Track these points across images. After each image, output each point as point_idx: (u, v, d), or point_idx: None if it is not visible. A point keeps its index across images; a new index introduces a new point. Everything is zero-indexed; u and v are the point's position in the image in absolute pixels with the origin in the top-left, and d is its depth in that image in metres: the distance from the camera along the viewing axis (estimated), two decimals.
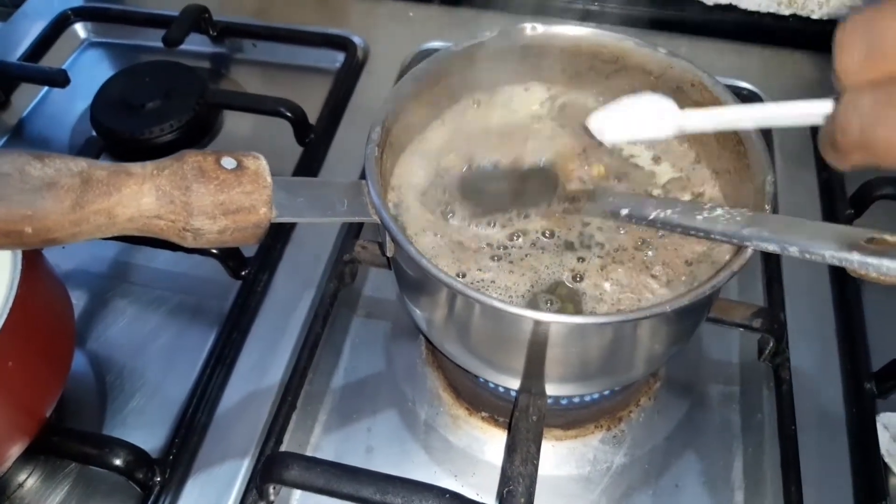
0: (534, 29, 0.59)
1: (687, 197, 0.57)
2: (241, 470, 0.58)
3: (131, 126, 0.79)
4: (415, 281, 0.50)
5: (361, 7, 0.98)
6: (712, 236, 0.47)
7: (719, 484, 0.58)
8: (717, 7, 0.91)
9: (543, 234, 0.54)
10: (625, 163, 0.58)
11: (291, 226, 0.74)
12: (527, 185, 0.57)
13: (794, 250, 0.43)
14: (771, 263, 0.69)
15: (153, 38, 0.91)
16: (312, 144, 0.81)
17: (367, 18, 0.96)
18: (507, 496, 0.51)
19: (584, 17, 0.92)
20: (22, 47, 0.92)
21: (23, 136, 0.87)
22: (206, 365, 0.63)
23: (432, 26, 0.94)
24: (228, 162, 0.44)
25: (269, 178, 0.44)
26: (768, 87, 0.85)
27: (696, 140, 0.59)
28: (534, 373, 0.51)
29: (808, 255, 0.42)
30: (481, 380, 0.59)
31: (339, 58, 0.91)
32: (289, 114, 0.80)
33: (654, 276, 0.52)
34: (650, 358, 0.53)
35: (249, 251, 0.70)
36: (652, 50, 0.58)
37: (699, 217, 0.47)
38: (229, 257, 0.68)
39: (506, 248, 0.54)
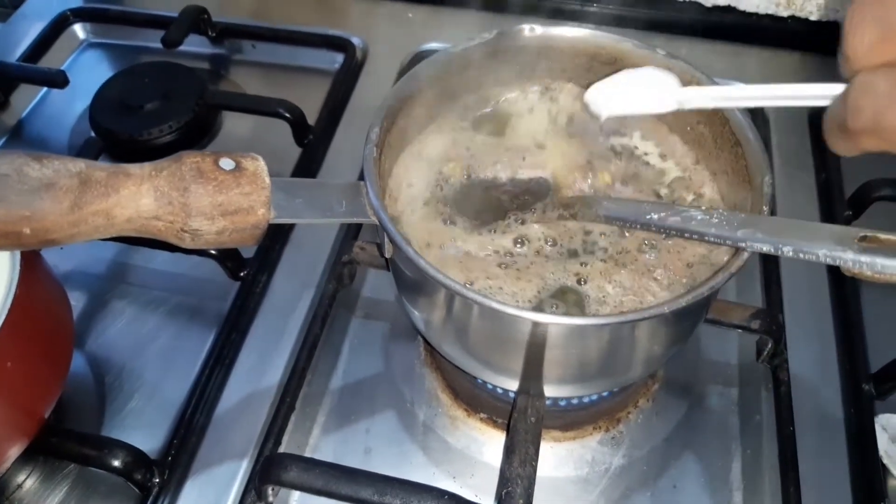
0: (532, 30, 0.59)
1: (690, 197, 0.57)
2: (240, 471, 0.58)
3: (130, 127, 0.79)
4: (413, 282, 0.50)
5: (360, 8, 0.98)
6: (707, 239, 0.47)
7: (718, 485, 0.58)
8: (716, 8, 0.91)
9: (547, 241, 0.54)
10: (636, 162, 0.58)
11: (290, 227, 0.74)
12: (522, 192, 0.58)
13: (788, 250, 0.43)
14: (769, 265, 0.69)
15: (152, 39, 0.91)
16: (311, 145, 0.81)
17: (366, 19, 0.96)
18: (505, 497, 0.51)
19: (583, 18, 0.92)
20: (21, 48, 0.92)
21: (22, 137, 0.87)
22: (205, 366, 0.63)
23: (431, 27, 0.94)
24: (227, 163, 0.44)
25: (267, 180, 0.44)
26: None
27: (694, 142, 0.59)
28: (532, 374, 0.51)
29: (802, 255, 0.42)
30: (480, 381, 0.59)
31: (337, 59, 0.91)
32: (287, 115, 0.80)
33: (655, 280, 0.52)
34: (648, 359, 0.53)
35: (248, 252, 0.70)
36: (650, 51, 0.58)
37: (693, 220, 0.48)
38: (228, 258, 0.68)
39: (512, 255, 0.54)
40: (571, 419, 0.61)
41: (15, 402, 0.51)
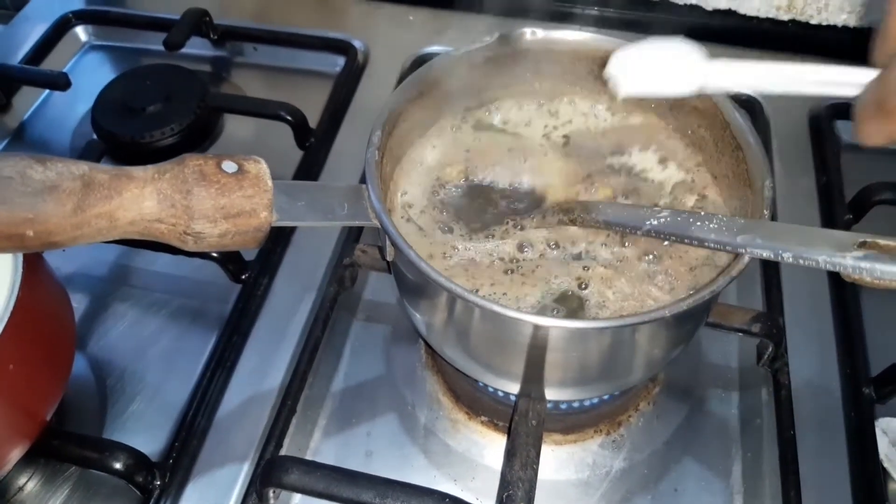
0: (533, 34, 0.59)
1: (692, 200, 0.57)
2: (241, 474, 0.58)
3: (132, 129, 0.79)
4: (414, 285, 0.50)
5: (361, 11, 0.98)
6: (706, 245, 0.47)
7: (718, 488, 0.58)
8: (717, 12, 0.91)
9: (549, 244, 0.54)
10: (635, 179, 0.58)
11: (292, 229, 0.74)
12: (520, 198, 0.58)
13: (787, 256, 0.43)
14: (770, 269, 0.69)
15: (154, 42, 0.92)
16: (313, 148, 0.81)
17: (367, 22, 0.96)
18: (506, 500, 0.51)
19: (584, 21, 0.92)
20: (23, 50, 0.92)
21: (24, 140, 0.87)
22: (207, 368, 0.63)
23: (432, 30, 0.94)
24: (229, 166, 0.44)
25: (269, 182, 0.45)
26: None
27: (695, 145, 0.59)
28: (533, 377, 0.51)
29: (802, 262, 0.42)
30: (481, 384, 0.59)
31: (339, 61, 0.91)
32: (289, 117, 0.80)
33: (656, 286, 0.52)
34: (649, 363, 0.53)
35: (250, 255, 0.70)
36: None
37: (693, 226, 0.48)
38: (230, 261, 0.68)
39: (517, 260, 0.54)
40: (572, 422, 0.61)
41: (17, 404, 0.51)
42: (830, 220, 0.74)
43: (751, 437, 0.60)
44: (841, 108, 0.82)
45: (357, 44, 0.92)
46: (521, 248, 0.54)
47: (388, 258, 0.50)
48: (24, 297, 0.47)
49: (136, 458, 0.56)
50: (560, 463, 0.59)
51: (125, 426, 0.61)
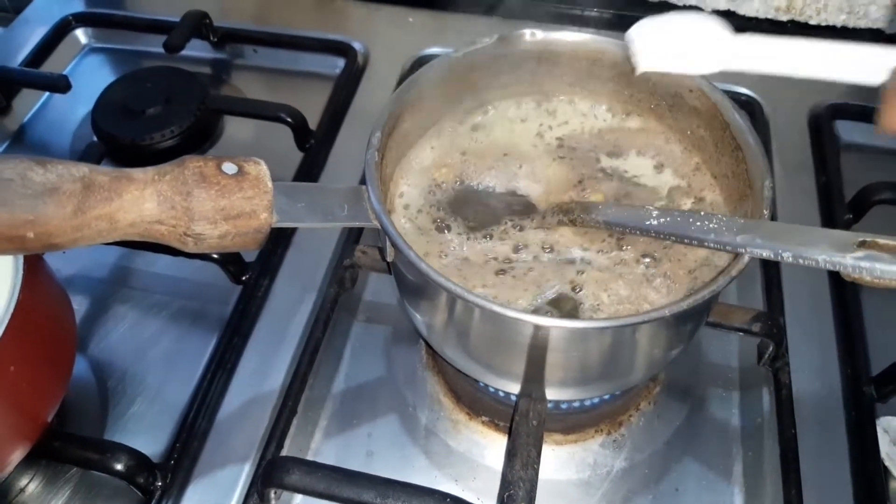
0: (533, 35, 0.59)
1: (689, 204, 0.57)
2: (242, 474, 0.58)
3: (132, 131, 0.79)
4: (415, 285, 0.50)
5: (361, 12, 0.98)
6: (706, 244, 0.47)
7: (719, 488, 0.58)
8: (715, 13, 0.91)
9: (544, 247, 0.54)
10: (627, 184, 0.58)
11: (292, 231, 0.75)
12: (518, 200, 0.58)
13: (787, 256, 0.43)
14: (770, 268, 0.69)
15: (154, 44, 0.92)
16: (313, 150, 0.81)
17: (366, 24, 0.96)
18: (507, 500, 0.51)
19: (583, 22, 0.92)
20: (23, 53, 0.92)
21: (24, 142, 0.87)
22: (207, 370, 0.63)
23: (432, 32, 0.94)
24: (229, 167, 0.44)
25: (269, 184, 0.45)
26: (766, 92, 0.86)
27: (694, 146, 0.59)
28: (534, 377, 0.51)
29: (801, 261, 0.42)
30: (481, 384, 0.59)
31: (339, 63, 0.91)
32: (289, 119, 0.80)
33: (654, 289, 0.51)
34: (650, 362, 0.53)
35: (250, 256, 0.70)
36: None
37: (693, 226, 0.48)
38: (230, 262, 0.68)
39: (510, 261, 0.54)
40: (573, 422, 0.61)
41: (18, 406, 0.51)
42: (830, 219, 0.74)
43: (752, 436, 0.60)
44: (841, 108, 0.83)
45: (357, 45, 0.92)
46: (515, 249, 0.54)
47: (389, 259, 0.50)
48: (25, 299, 0.47)
49: (138, 459, 0.56)
50: (561, 463, 0.59)
51: (126, 427, 0.61)
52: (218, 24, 0.93)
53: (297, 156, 0.81)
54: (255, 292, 0.69)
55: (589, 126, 0.62)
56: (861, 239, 0.41)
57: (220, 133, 0.86)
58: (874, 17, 0.87)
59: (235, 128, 0.87)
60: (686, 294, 0.51)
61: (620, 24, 0.91)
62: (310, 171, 0.79)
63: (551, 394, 0.54)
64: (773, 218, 0.48)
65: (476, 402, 0.62)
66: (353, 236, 0.72)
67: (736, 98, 0.83)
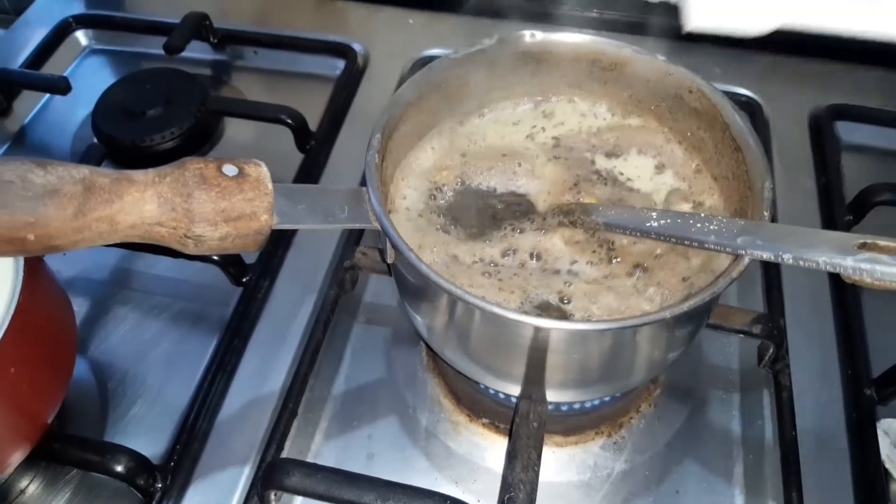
0: (533, 36, 0.59)
1: (688, 208, 0.57)
2: (242, 476, 0.58)
3: (133, 133, 0.79)
4: (415, 287, 0.50)
5: (361, 14, 0.98)
6: (706, 246, 0.47)
7: (720, 490, 0.58)
8: None
9: (532, 256, 0.54)
10: (621, 188, 0.58)
11: (292, 232, 0.75)
12: (517, 202, 0.58)
13: (788, 258, 0.43)
14: (770, 270, 0.69)
15: (154, 46, 0.92)
16: (313, 151, 0.81)
17: (367, 25, 0.96)
18: (507, 502, 0.51)
19: (583, 24, 0.92)
20: (24, 54, 0.92)
21: (24, 143, 0.87)
22: (208, 371, 0.63)
23: (432, 33, 0.94)
24: (230, 169, 0.44)
25: (270, 186, 0.45)
26: (766, 93, 0.86)
27: (694, 147, 0.59)
28: (534, 379, 0.51)
29: (802, 263, 0.42)
30: (482, 386, 0.59)
31: (339, 65, 0.91)
32: (289, 121, 0.80)
33: (648, 300, 0.51)
34: (650, 364, 0.53)
35: (250, 258, 0.70)
36: (650, 57, 0.58)
37: (693, 227, 0.48)
38: (230, 264, 0.68)
39: (496, 265, 0.54)
40: (573, 424, 0.61)
41: (18, 407, 0.51)
42: (831, 221, 0.74)
43: (752, 438, 0.60)
44: (841, 109, 0.83)
45: (357, 47, 0.92)
46: (504, 253, 0.54)
47: (389, 261, 0.50)
48: (26, 301, 0.47)
49: (138, 460, 0.56)
50: (561, 465, 0.59)
51: (126, 429, 0.61)
52: (218, 26, 0.93)
53: (297, 157, 0.81)
54: (255, 294, 0.69)
55: (589, 126, 0.62)
56: (862, 241, 0.41)
57: (220, 134, 0.86)
58: None
59: (236, 129, 0.87)
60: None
61: (621, 25, 0.92)
62: (310, 172, 0.79)
63: (552, 396, 0.54)
64: (774, 219, 0.48)
65: (476, 403, 0.62)
66: (353, 238, 0.72)
67: (736, 99, 0.83)
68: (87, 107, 0.84)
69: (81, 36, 0.98)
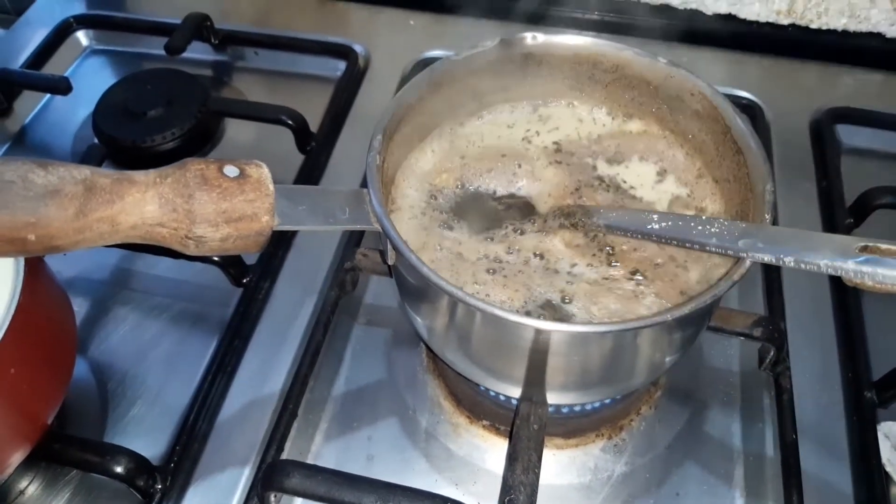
0: (534, 38, 0.59)
1: (690, 213, 0.56)
2: (242, 477, 0.58)
3: (133, 133, 0.79)
4: (416, 289, 0.50)
5: (362, 15, 0.98)
6: (708, 249, 0.47)
7: (720, 492, 0.58)
8: (717, 16, 0.91)
9: (535, 254, 0.54)
10: (622, 195, 0.58)
11: (293, 234, 0.74)
12: (518, 203, 0.58)
13: (789, 261, 0.43)
14: (771, 273, 0.69)
15: (155, 46, 0.92)
16: (314, 152, 0.81)
17: (368, 27, 0.96)
18: None
19: (584, 26, 0.92)
20: (24, 55, 0.93)
21: (25, 144, 0.87)
22: (208, 372, 0.63)
23: (433, 35, 0.94)
24: (231, 170, 0.44)
25: (271, 187, 0.45)
26: (767, 96, 0.86)
27: (696, 150, 0.59)
28: (535, 381, 0.51)
29: (803, 266, 0.42)
30: (482, 388, 0.59)
31: (340, 66, 0.91)
32: (290, 122, 0.80)
33: (646, 307, 0.51)
34: (651, 367, 0.53)
35: (251, 259, 0.70)
36: (651, 59, 0.58)
37: (694, 230, 0.48)
38: (231, 265, 0.68)
39: (500, 261, 0.54)
40: (574, 426, 0.61)
41: (18, 408, 0.51)
42: (831, 224, 0.74)
43: (752, 441, 0.60)
44: (842, 113, 0.83)
45: (358, 48, 0.92)
46: (508, 250, 0.54)
47: (390, 262, 0.50)
48: (26, 301, 0.47)
49: (138, 461, 0.56)
50: (562, 467, 0.59)
51: (126, 430, 0.61)
52: (219, 27, 0.93)
53: (298, 158, 0.81)
54: (255, 295, 0.69)
55: (589, 130, 0.62)
56: (863, 244, 0.41)
57: (220, 135, 0.86)
58: (875, 20, 0.87)
59: (236, 130, 0.87)
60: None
61: (622, 27, 0.92)
62: (311, 173, 0.79)
63: (552, 398, 0.54)
64: (775, 222, 0.48)
65: (477, 405, 0.62)
66: (353, 239, 0.72)
67: (737, 102, 0.83)
68: (88, 107, 0.84)
69: (82, 36, 0.98)
